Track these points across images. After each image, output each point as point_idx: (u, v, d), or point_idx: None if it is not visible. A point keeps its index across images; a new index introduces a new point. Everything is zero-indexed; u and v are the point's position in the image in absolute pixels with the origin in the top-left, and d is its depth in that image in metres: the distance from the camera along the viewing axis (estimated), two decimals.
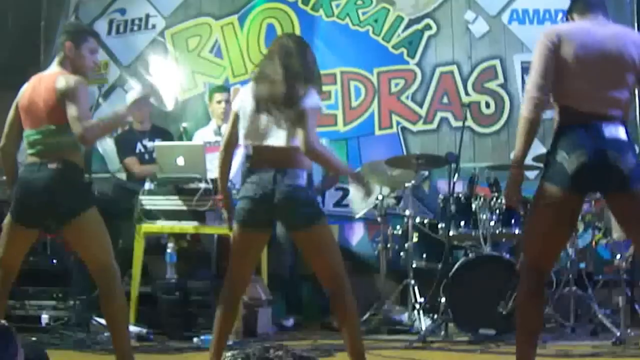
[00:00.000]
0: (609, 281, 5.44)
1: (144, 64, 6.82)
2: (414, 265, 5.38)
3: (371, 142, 6.41)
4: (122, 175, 6.24)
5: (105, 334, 4.74)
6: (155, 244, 5.56)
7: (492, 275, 4.88)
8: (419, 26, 6.42)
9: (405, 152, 6.25)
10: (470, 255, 5.22)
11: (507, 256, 5.07)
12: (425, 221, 5.56)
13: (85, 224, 3.65)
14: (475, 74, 6.31)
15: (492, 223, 5.15)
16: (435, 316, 5.11)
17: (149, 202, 5.19)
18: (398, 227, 5.61)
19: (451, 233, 5.20)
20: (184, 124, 5.98)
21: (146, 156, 5.98)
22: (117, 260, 3.77)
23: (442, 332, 5.04)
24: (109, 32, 6.90)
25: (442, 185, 5.96)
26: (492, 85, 6.28)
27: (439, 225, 5.37)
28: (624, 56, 3.18)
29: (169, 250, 5.23)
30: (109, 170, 6.58)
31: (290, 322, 5.77)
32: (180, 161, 5.09)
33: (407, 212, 5.44)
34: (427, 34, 6.41)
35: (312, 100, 3.39)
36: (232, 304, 3.57)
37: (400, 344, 4.81)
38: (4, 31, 6.81)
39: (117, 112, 3.75)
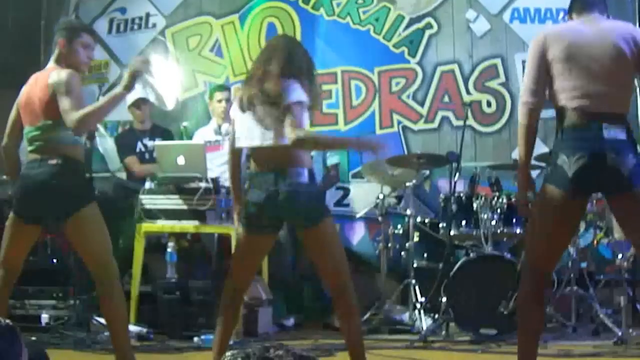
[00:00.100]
0: (611, 281, 5.43)
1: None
2: (414, 265, 5.38)
3: None
4: (123, 175, 6.24)
5: (105, 334, 4.73)
6: (155, 244, 5.56)
7: (493, 274, 4.87)
8: (420, 25, 6.41)
9: (406, 152, 6.24)
10: (471, 254, 5.21)
11: (509, 256, 5.06)
12: (426, 220, 5.55)
13: (85, 219, 3.65)
14: (476, 73, 6.30)
15: (493, 222, 5.14)
16: (436, 316, 5.10)
17: (150, 201, 5.19)
18: (399, 226, 5.60)
19: (452, 232, 5.19)
20: (185, 123, 5.98)
21: (146, 155, 5.98)
22: (117, 260, 3.76)
23: (443, 332, 5.03)
24: (110, 31, 6.90)
25: (443, 184, 5.95)
26: (494, 84, 6.27)
27: (440, 225, 5.36)
28: (615, 51, 3.16)
29: (169, 250, 5.22)
30: (109, 169, 6.57)
31: (290, 321, 5.76)
32: (181, 160, 5.08)
33: (408, 212, 5.43)
34: (428, 32, 6.40)
35: (294, 94, 3.34)
36: (234, 305, 3.56)
37: (401, 343, 4.80)
38: (3, 31, 6.79)
39: (111, 93, 3.67)
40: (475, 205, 5.19)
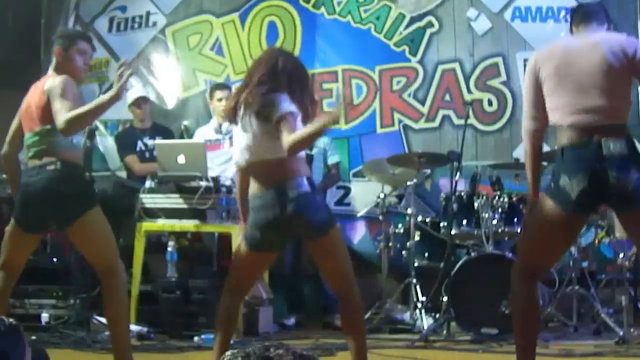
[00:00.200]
0: (612, 280, 5.42)
1: (145, 61, 6.80)
2: (415, 264, 5.36)
3: (373, 140, 6.38)
4: (123, 174, 6.23)
5: (106, 333, 4.72)
6: (155, 243, 5.55)
7: (494, 274, 4.85)
8: (421, 24, 6.39)
9: (407, 150, 6.23)
10: (472, 254, 5.20)
11: (510, 255, 5.04)
12: (427, 220, 5.54)
13: (88, 223, 3.65)
14: (477, 71, 6.28)
15: (494, 222, 5.13)
16: (437, 315, 5.09)
17: (150, 200, 5.18)
18: (400, 225, 5.59)
19: (453, 232, 5.18)
20: (185, 122, 5.96)
21: (147, 154, 5.97)
22: None
23: (444, 331, 5.03)
24: (110, 30, 6.88)
25: (444, 183, 5.93)
26: (495, 82, 6.25)
27: (441, 224, 5.34)
28: (604, 64, 3.15)
29: (169, 249, 5.22)
30: (110, 168, 6.55)
31: (291, 321, 5.75)
32: (181, 159, 5.07)
33: (409, 211, 5.42)
34: (429, 31, 6.38)
35: (283, 106, 3.27)
36: (233, 308, 3.55)
37: (402, 343, 4.80)
38: (4, 29, 6.79)
39: (100, 99, 3.61)
40: (476, 204, 5.18)
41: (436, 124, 6.32)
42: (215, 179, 5.09)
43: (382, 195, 5.62)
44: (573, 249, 5.06)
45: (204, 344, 4.69)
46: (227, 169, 5.52)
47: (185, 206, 5.11)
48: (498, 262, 4.93)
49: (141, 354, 4.25)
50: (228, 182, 5.12)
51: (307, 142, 3.27)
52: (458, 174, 5.27)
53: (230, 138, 4.67)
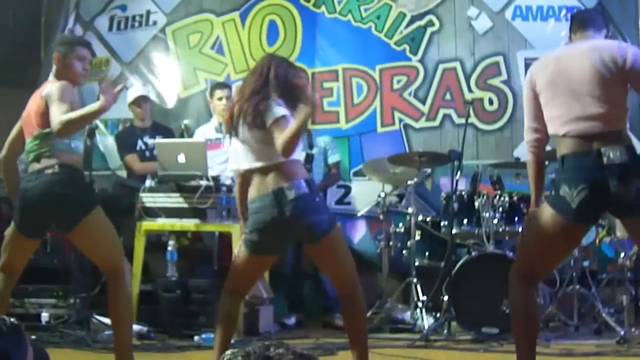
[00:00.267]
0: (613, 279, 5.41)
1: (145, 60, 6.79)
2: (416, 263, 5.35)
3: (373, 140, 6.37)
4: (123, 173, 6.22)
5: (106, 333, 4.73)
6: (156, 242, 5.54)
7: (495, 273, 4.83)
8: (422, 22, 6.38)
9: (407, 150, 6.22)
10: (473, 253, 5.20)
11: (510, 254, 5.03)
12: (428, 219, 5.53)
13: (90, 226, 3.65)
14: (478, 70, 6.27)
15: (495, 221, 5.12)
16: (438, 314, 5.08)
17: (150, 199, 5.17)
18: (400, 224, 5.57)
19: (454, 231, 5.17)
20: (185, 121, 5.95)
21: (147, 153, 5.96)
22: None
23: (445, 331, 5.02)
24: (110, 29, 6.87)
25: (445, 182, 5.93)
26: (496, 81, 6.24)
27: (442, 223, 5.33)
28: (594, 72, 3.16)
29: (169, 248, 5.21)
30: (110, 167, 6.54)
31: (292, 320, 5.74)
32: (181, 158, 5.06)
33: (410, 210, 5.41)
34: (429, 30, 6.37)
35: (275, 111, 3.29)
36: (232, 309, 3.55)
37: (403, 342, 4.79)
38: (4, 28, 6.78)
39: (91, 107, 3.62)
40: (477, 203, 5.17)
41: (437, 123, 6.31)
42: (216, 178, 5.08)
43: (382, 195, 5.62)
44: None
45: (204, 343, 4.68)
46: (227, 168, 5.50)
47: (185, 205, 5.10)
48: (499, 262, 4.92)
49: (141, 354, 4.24)
50: (228, 181, 5.11)
51: (295, 137, 3.23)
52: (459, 173, 5.26)
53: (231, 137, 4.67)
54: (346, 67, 6.45)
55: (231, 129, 3.45)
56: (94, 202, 3.74)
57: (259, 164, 3.36)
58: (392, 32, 6.41)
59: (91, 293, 4.98)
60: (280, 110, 3.30)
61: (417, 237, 5.40)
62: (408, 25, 6.39)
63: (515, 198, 5.14)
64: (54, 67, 3.82)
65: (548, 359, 4.14)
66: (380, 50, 6.41)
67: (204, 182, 5.04)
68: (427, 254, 5.45)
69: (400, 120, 6.36)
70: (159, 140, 5.59)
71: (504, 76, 6.22)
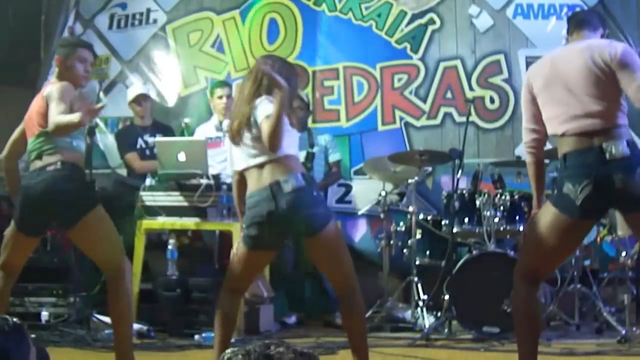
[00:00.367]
0: (614, 278, 5.41)
1: (145, 59, 6.78)
2: (417, 262, 5.34)
3: (374, 138, 6.36)
4: (123, 171, 6.21)
5: (106, 331, 4.72)
6: (156, 241, 5.54)
7: (496, 272, 4.83)
8: (423, 21, 6.37)
9: (408, 148, 6.21)
10: (474, 252, 5.18)
11: (512, 253, 5.02)
12: (429, 218, 5.51)
13: (91, 224, 3.66)
14: (479, 68, 6.26)
15: (496, 220, 5.11)
16: (439, 314, 5.07)
17: (150, 198, 5.16)
18: (401, 223, 5.57)
19: (455, 230, 5.16)
20: (186, 120, 5.94)
21: (147, 152, 5.95)
22: None
23: (446, 330, 5.01)
24: (110, 27, 6.86)
25: (446, 181, 5.92)
26: (497, 80, 6.23)
27: (443, 222, 5.32)
28: (587, 71, 3.17)
29: (170, 247, 5.21)
30: (110, 166, 6.54)
31: (292, 319, 5.74)
32: (182, 157, 5.05)
33: (411, 209, 5.40)
34: (430, 28, 6.36)
35: (266, 108, 3.30)
36: (232, 308, 3.55)
37: (403, 341, 4.78)
38: (4, 26, 6.77)
39: (72, 116, 3.55)
40: (478, 202, 5.16)
41: (438, 121, 6.30)
42: (216, 177, 5.07)
43: (383, 193, 5.61)
44: None
45: (205, 342, 4.68)
46: (227, 167, 5.50)
47: (185, 204, 5.09)
48: (500, 260, 4.91)
49: (141, 353, 4.24)
50: (229, 180, 5.09)
51: (276, 126, 3.21)
52: (460, 171, 5.25)
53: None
54: (347, 65, 6.44)
55: (238, 137, 3.44)
56: (95, 201, 3.74)
57: (256, 161, 3.38)
58: (392, 30, 6.40)
59: (91, 292, 4.97)
60: (270, 107, 3.31)
61: (418, 236, 5.39)
62: (409, 23, 6.38)
63: (516, 197, 5.13)
64: (56, 69, 3.83)
65: (549, 358, 4.13)
66: (381, 49, 6.40)
67: (204, 181, 5.03)
68: (427, 252, 5.44)
69: (401, 119, 6.35)
70: (159, 138, 5.59)
71: (505, 74, 6.21)
